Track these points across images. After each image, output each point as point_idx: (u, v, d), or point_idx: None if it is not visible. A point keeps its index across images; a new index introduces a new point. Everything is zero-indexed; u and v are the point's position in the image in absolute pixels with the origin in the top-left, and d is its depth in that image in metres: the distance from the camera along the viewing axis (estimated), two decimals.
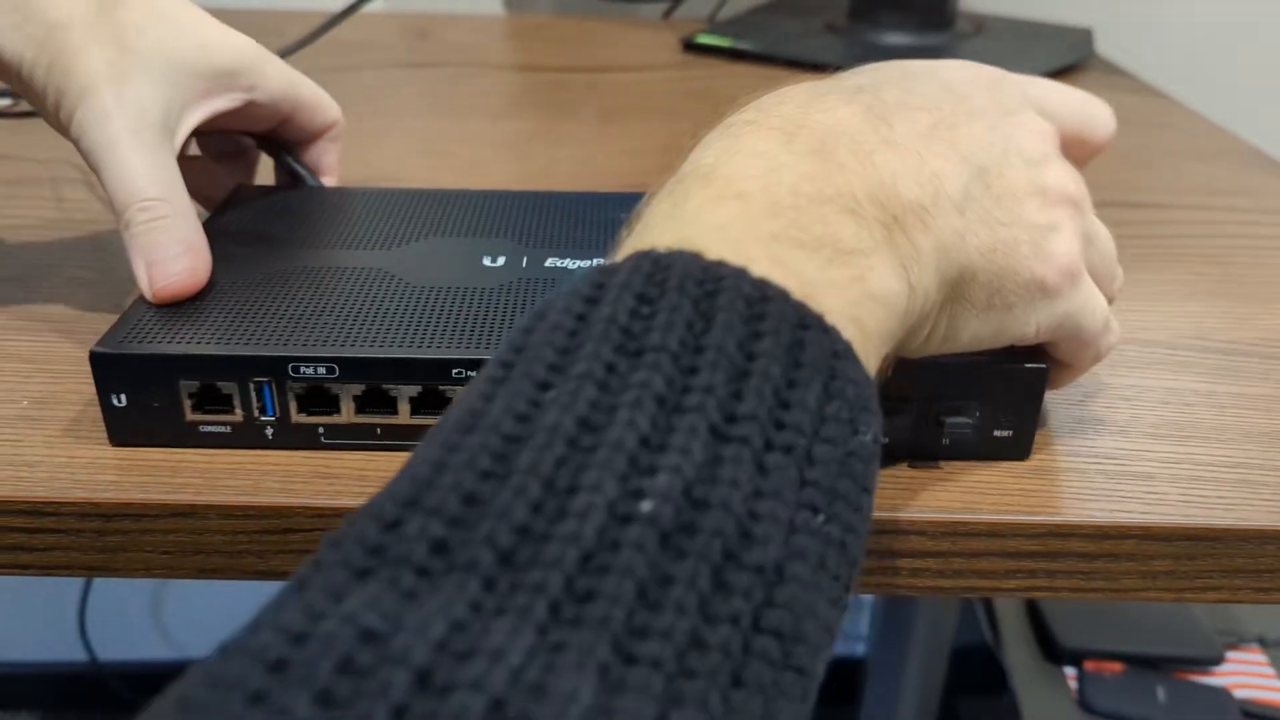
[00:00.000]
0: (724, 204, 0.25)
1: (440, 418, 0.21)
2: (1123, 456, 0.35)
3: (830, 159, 0.26)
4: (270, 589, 0.19)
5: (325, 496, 0.32)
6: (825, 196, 0.25)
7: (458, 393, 0.33)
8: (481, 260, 0.38)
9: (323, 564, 0.18)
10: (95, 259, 0.46)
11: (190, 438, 0.34)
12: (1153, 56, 0.92)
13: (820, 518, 0.21)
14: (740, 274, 0.23)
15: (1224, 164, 0.62)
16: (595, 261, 0.36)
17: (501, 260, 0.38)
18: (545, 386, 0.20)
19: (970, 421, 0.33)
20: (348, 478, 0.33)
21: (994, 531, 0.32)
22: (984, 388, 0.33)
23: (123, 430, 0.34)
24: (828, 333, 0.23)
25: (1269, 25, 0.97)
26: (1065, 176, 0.31)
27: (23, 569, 0.33)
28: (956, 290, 0.29)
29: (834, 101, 0.28)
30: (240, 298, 0.35)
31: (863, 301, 0.25)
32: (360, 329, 0.34)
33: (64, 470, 0.33)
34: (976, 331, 0.30)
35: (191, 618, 1.27)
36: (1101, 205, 0.56)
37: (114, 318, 0.35)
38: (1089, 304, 0.32)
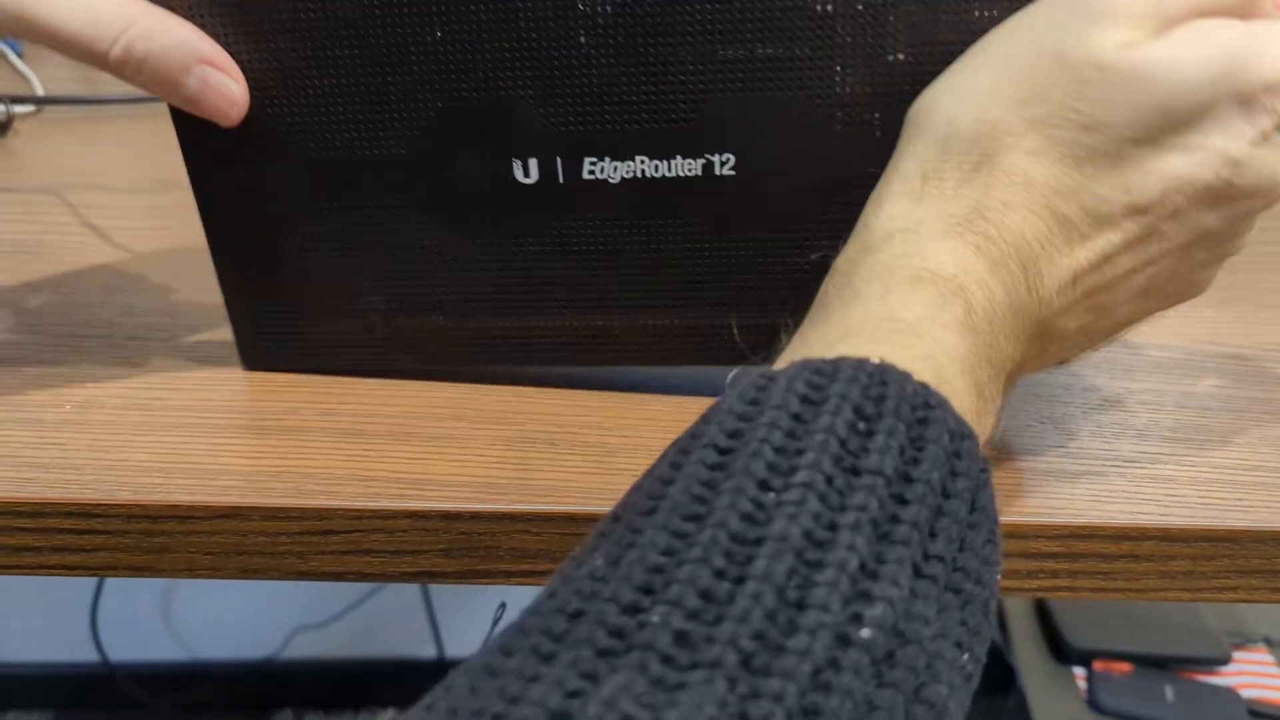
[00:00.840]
0: (965, 334, 0.27)
1: (643, 486, 0.22)
2: (1141, 459, 0.36)
3: (1028, 287, 0.29)
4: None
5: (365, 499, 0.33)
6: (1012, 333, 0.28)
7: None
8: (514, 171, 0.35)
9: (564, 638, 0.19)
10: (128, 264, 0.46)
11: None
12: None
13: (966, 656, 0.22)
14: (945, 406, 0.24)
15: None
16: (639, 164, 0.34)
17: (534, 173, 0.35)
18: (767, 488, 0.21)
19: None
20: (385, 480, 0.34)
21: (1016, 533, 0.33)
22: None
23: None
24: (990, 478, 0.25)
25: None
26: (1243, 244, 0.32)
27: (71, 569, 0.33)
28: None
29: (1056, 205, 0.29)
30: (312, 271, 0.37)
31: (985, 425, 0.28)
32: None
33: (109, 472, 0.33)
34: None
35: (201, 619, 1.28)
36: None
37: (152, 321, 0.35)
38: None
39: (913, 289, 0.27)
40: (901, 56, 0.33)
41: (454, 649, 1.29)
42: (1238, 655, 0.90)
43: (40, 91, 0.67)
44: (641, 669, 0.18)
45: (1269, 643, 0.92)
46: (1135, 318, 0.32)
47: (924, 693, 0.20)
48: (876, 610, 0.20)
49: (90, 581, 1.19)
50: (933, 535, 0.22)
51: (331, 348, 0.39)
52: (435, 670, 0.34)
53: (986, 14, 0.31)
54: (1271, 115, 0.28)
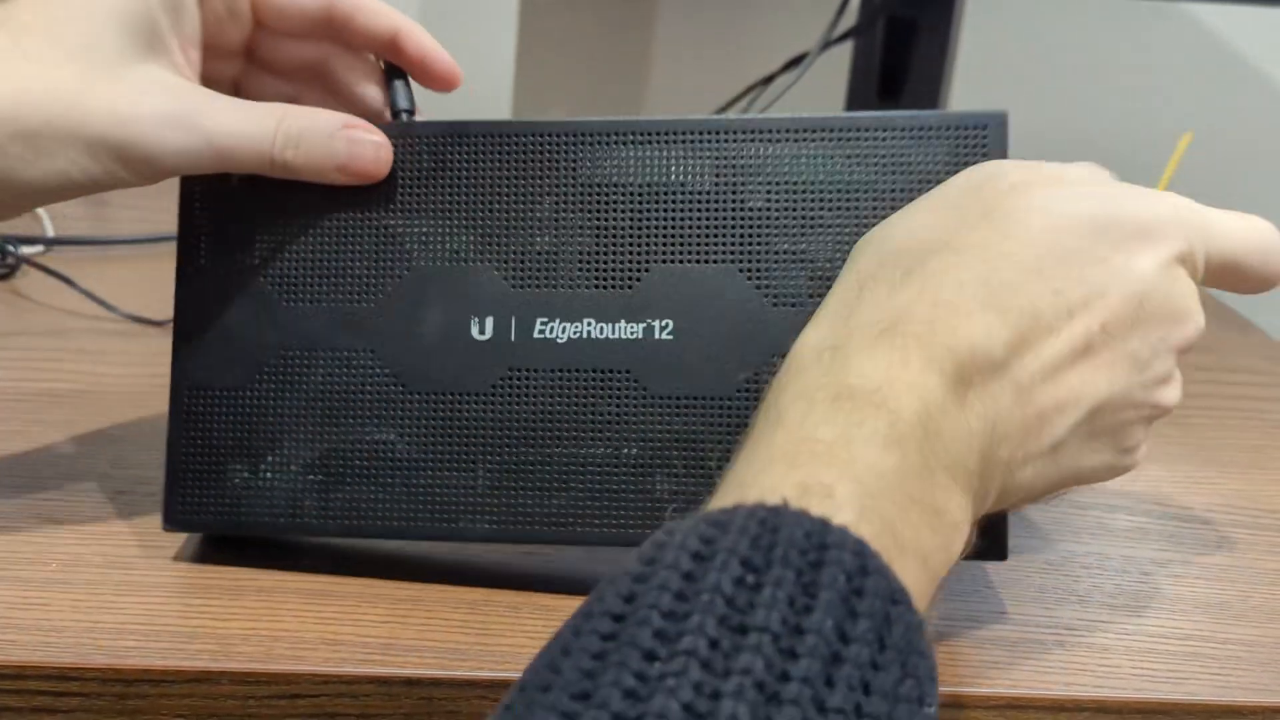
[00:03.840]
0: (890, 449, 0.26)
1: (548, 661, 0.23)
2: (1080, 627, 0.37)
3: (966, 413, 0.28)
4: None
5: (330, 664, 0.34)
6: (953, 465, 0.28)
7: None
8: (471, 331, 0.38)
9: None
10: (124, 413, 0.49)
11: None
12: None
13: None
14: (842, 545, 0.23)
15: None
16: (585, 326, 0.37)
17: (489, 330, 0.38)
18: (652, 658, 0.21)
19: None
20: (352, 644, 0.35)
21: (957, 703, 0.34)
22: None
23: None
24: (911, 610, 0.24)
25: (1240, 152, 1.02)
26: (1175, 393, 0.33)
27: None
28: (1000, 502, 0.31)
29: (992, 320, 0.29)
30: (258, 427, 0.39)
31: (946, 564, 0.28)
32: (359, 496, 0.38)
33: (88, 635, 0.35)
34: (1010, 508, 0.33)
35: None
36: None
37: (140, 474, 0.37)
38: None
39: (833, 407, 0.27)
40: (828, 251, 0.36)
41: None
42: None
43: (50, 232, 0.70)
44: None
45: None
46: (1083, 464, 0.32)
47: None
48: None
49: None
50: (830, 685, 0.21)
51: (257, 507, 0.39)
52: None
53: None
54: (1170, 246, 0.31)
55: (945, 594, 0.37)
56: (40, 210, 0.76)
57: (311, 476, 0.38)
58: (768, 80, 0.94)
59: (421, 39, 0.40)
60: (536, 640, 0.35)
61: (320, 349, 0.39)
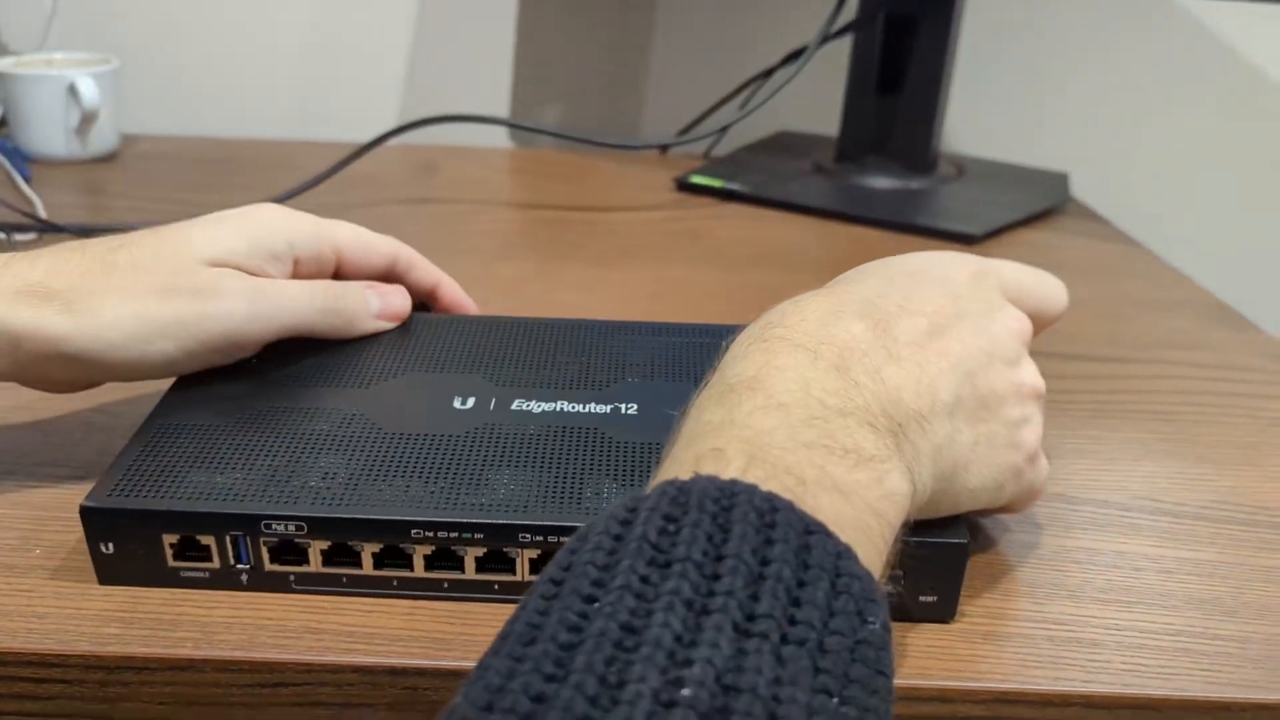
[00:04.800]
0: (770, 412, 0.30)
1: (502, 632, 0.24)
2: (1070, 622, 0.37)
3: (848, 375, 0.32)
4: None
5: (314, 653, 0.34)
6: (847, 410, 0.31)
7: (417, 549, 0.36)
8: (452, 401, 0.42)
9: None
10: (110, 403, 0.48)
11: (171, 580, 0.37)
12: (1126, 198, 0.97)
13: (834, 700, 0.23)
14: (752, 490, 0.26)
15: (1185, 316, 0.65)
16: (559, 405, 0.42)
17: (471, 402, 0.42)
18: (591, 600, 0.24)
19: (896, 590, 0.35)
20: (336, 634, 0.35)
21: (944, 697, 0.34)
22: (908, 562, 0.34)
23: (110, 572, 0.37)
24: (830, 537, 0.26)
25: (1236, 163, 1.02)
26: (1034, 374, 0.37)
27: (29, 716, 0.35)
28: (950, 480, 0.34)
29: (847, 318, 0.34)
30: (221, 445, 0.39)
31: (883, 498, 0.30)
32: (329, 485, 0.37)
33: (71, 622, 0.35)
34: (969, 504, 0.35)
35: None
36: (1065, 358, 0.59)
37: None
38: (1043, 471, 0.38)
39: (717, 400, 0.31)
40: None
41: None
42: None
43: (44, 216, 0.70)
44: None
45: None
46: (980, 431, 0.35)
47: None
48: (695, 670, 0.21)
49: None
50: (755, 599, 0.24)
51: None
52: None
53: None
54: (972, 265, 0.39)
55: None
56: (34, 197, 0.76)
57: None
58: (767, 74, 0.94)
59: (455, 292, 0.52)
60: None
61: (305, 408, 0.42)
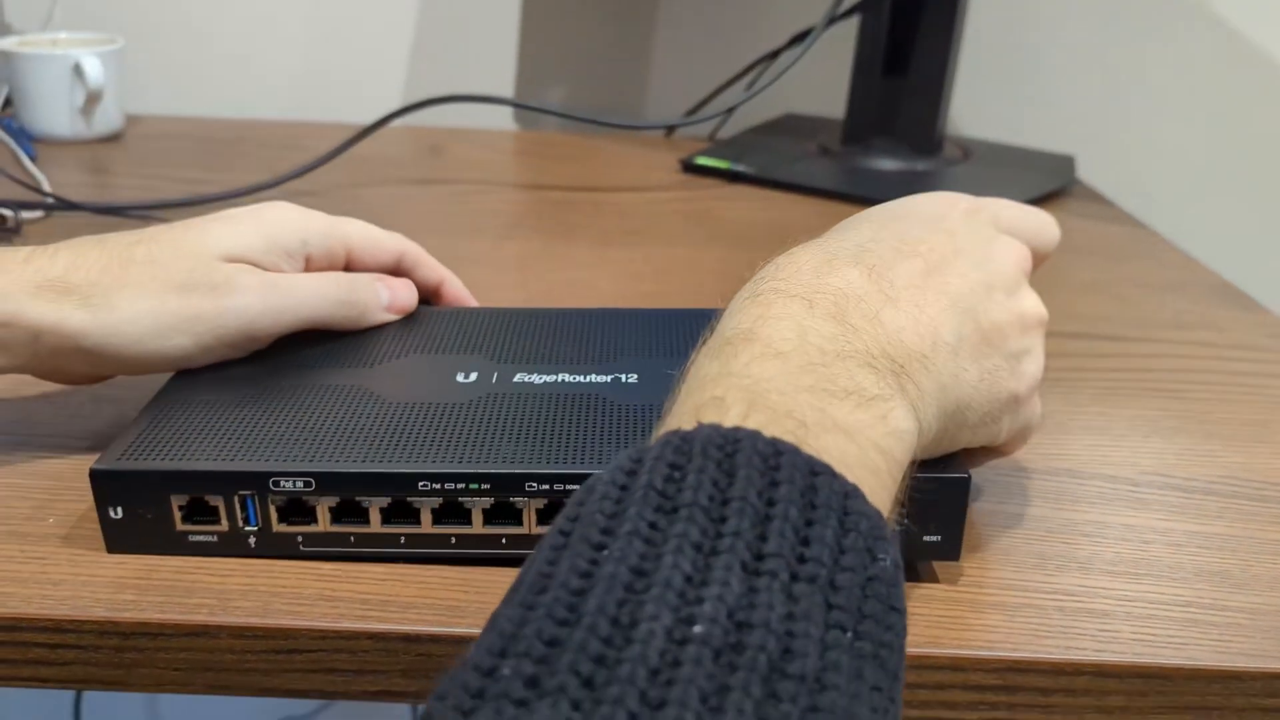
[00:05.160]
0: (767, 361, 0.30)
1: (514, 583, 0.25)
2: (1080, 593, 0.37)
3: (845, 321, 0.32)
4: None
5: (329, 619, 0.34)
6: (846, 354, 0.31)
7: (424, 503, 0.36)
8: (455, 376, 0.42)
9: (433, 715, 0.21)
10: (120, 379, 0.48)
11: (180, 546, 0.37)
12: (1132, 181, 0.97)
13: (848, 635, 0.23)
14: (755, 435, 0.26)
15: (1193, 296, 0.65)
16: (560, 376, 0.42)
17: (474, 376, 0.43)
18: (600, 547, 0.24)
19: (909, 527, 0.35)
20: (350, 601, 0.35)
21: (956, 665, 0.34)
22: (911, 499, 0.34)
23: (118, 540, 0.37)
24: (836, 478, 0.26)
25: (1243, 143, 1.02)
26: (1035, 302, 0.37)
27: (43, 682, 0.35)
28: (954, 417, 0.34)
29: (841, 266, 0.34)
30: (229, 415, 0.39)
31: (888, 435, 0.30)
32: (336, 445, 0.37)
33: (86, 588, 0.35)
34: (967, 440, 0.36)
35: (191, 713, 1.27)
36: (1073, 337, 0.59)
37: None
38: (1037, 409, 0.38)
39: (714, 354, 0.31)
40: None
41: None
42: None
43: (50, 197, 0.70)
44: (497, 714, 0.20)
45: None
46: (984, 365, 0.35)
47: (786, 668, 0.21)
48: (706, 608, 0.22)
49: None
50: (763, 539, 0.24)
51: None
52: None
53: None
54: (964, 203, 0.39)
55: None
56: (40, 174, 0.76)
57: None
58: (773, 55, 0.94)
59: (458, 289, 0.53)
60: None
61: (311, 384, 0.42)
